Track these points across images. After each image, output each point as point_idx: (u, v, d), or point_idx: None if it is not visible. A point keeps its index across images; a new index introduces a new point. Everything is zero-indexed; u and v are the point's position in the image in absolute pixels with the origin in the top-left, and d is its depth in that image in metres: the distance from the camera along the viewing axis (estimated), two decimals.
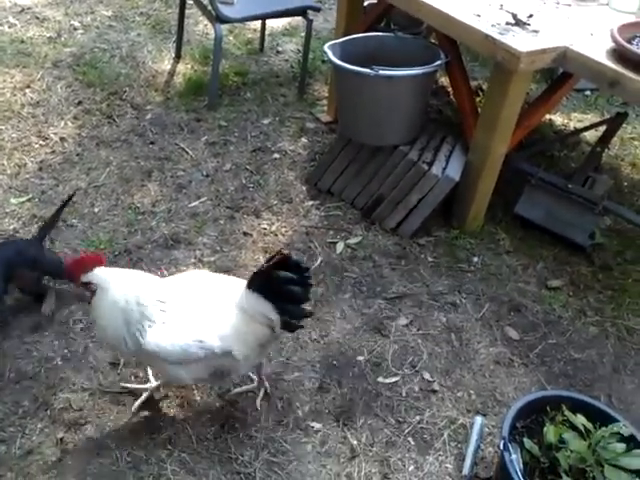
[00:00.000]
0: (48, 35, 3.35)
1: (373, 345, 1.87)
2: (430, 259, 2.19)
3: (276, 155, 2.64)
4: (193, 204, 2.34)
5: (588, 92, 3.40)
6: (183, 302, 1.46)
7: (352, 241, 2.23)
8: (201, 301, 1.47)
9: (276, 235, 2.22)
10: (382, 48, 2.40)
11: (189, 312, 1.44)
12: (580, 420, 1.39)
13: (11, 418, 1.59)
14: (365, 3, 2.78)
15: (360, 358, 1.82)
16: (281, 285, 1.40)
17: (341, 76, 2.28)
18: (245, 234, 2.22)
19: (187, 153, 2.61)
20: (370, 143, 2.31)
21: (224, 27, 2.86)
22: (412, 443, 1.62)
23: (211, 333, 1.42)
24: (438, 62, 2.20)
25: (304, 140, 2.75)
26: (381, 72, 2.09)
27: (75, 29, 3.45)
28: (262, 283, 1.43)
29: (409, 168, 2.21)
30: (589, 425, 1.38)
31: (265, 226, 2.26)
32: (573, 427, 1.39)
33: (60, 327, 1.83)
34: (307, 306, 1.51)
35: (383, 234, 2.27)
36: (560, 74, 2.31)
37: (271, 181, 2.49)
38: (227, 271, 2.05)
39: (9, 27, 3.37)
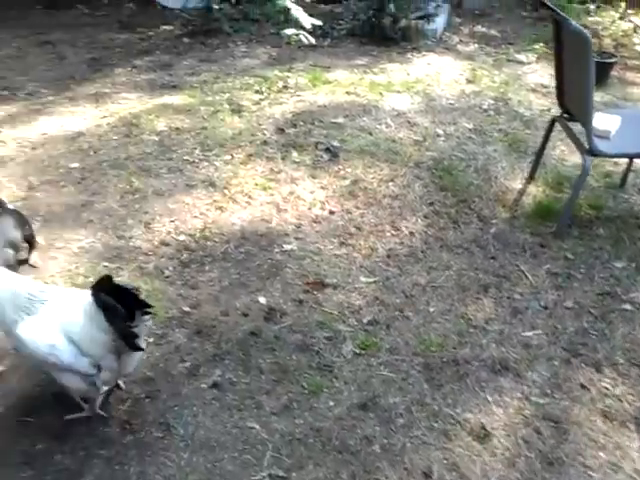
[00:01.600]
0: (415, 138, 3.79)
1: None
2: None
3: (627, 306, 2.38)
4: (527, 334, 2.26)
5: None
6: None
7: None
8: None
9: (620, 401, 1.97)
10: None
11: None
12: None
13: None
14: None
15: None
16: (107, 304, 1.61)
17: None
18: (582, 386, 2.02)
19: (526, 277, 2.56)
20: None
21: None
22: None
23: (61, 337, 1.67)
24: None
25: None
26: None
27: (438, 136, 3.83)
28: (98, 296, 1.63)
29: None
30: None
31: (607, 385, 2.03)
32: None
33: (383, 413, 1.93)
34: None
35: None
36: None
37: (618, 334, 2.24)
38: (557, 422, 1.89)
39: (386, 127, 3.94)
